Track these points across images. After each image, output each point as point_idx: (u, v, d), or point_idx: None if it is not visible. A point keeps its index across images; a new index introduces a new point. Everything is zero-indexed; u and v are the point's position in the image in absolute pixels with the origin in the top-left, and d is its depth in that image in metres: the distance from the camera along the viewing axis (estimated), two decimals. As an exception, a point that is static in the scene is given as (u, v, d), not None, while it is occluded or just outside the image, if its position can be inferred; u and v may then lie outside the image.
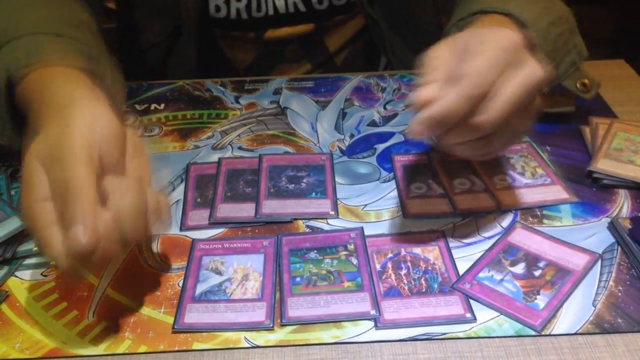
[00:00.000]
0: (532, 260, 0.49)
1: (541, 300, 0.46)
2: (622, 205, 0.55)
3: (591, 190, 0.56)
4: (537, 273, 0.48)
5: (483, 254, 0.50)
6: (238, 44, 0.84)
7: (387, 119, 0.68)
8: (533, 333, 0.44)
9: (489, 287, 0.47)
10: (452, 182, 0.58)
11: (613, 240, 0.51)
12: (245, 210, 0.55)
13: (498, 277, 0.48)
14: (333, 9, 0.83)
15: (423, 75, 0.46)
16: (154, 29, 0.83)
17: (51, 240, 0.41)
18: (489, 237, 0.52)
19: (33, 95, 0.50)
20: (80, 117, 0.43)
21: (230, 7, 0.79)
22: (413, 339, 0.44)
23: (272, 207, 0.55)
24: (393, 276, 0.48)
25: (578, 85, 0.63)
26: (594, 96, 0.63)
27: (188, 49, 0.81)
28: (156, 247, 0.52)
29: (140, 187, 0.43)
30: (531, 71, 0.46)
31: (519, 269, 0.48)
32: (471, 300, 0.46)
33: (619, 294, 0.46)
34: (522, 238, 0.51)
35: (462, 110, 0.43)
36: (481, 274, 0.48)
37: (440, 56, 0.47)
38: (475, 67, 0.44)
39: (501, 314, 0.45)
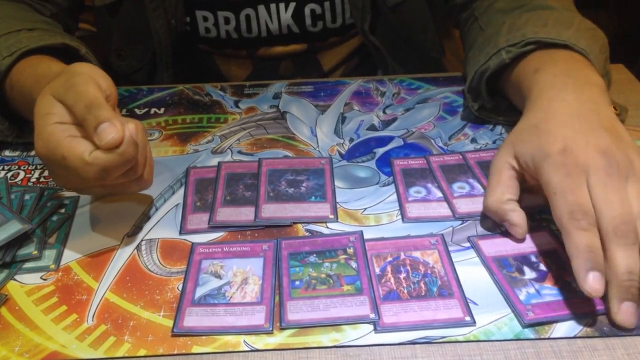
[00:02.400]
0: (525, 260, 0.49)
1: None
2: (621, 209, 0.55)
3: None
4: (543, 267, 0.49)
5: (495, 284, 0.48)
6: (231, 60, 0.85)
7: (386, 123, 0.68)
8: (532, 336, 0.44)
9: (544, 304, 0.46)
10: (451, 186, 0.58)
11: (612, 243, 0.51)
12: (244, 214, 0.55)
13: (532, 290, 0.47)
14: (327, 31, 0.83)
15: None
16: (134, 55, 0.84)
17: (74, 148, 0.46)
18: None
19: (25, 78, 0.57)
20: (81, 66, 0.50)
21: (219, 29, 0.80)
22: (412, 343, 0.44)
23: (272, 210, 0.56)
24: (392, 280, 0.48)
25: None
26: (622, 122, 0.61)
27: (165, 74, 0.82)
28: (156, 250, 0.52)
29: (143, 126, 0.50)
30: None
31: (531, 273, 0.48)
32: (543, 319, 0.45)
33: (619, 297, 0.46)
34: (493, 247, 0.51)
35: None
36: (522, 297, 0.46)
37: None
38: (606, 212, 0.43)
39: (581, 318, 0.45)
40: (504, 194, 0.50)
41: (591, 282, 0.42)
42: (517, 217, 0.50)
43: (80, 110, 0.46)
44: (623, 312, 0.42)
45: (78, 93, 0.47)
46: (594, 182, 0.44)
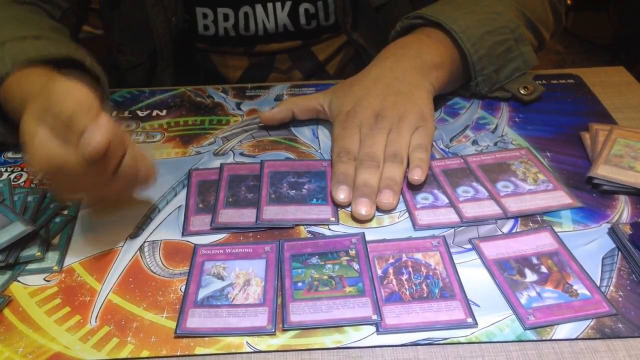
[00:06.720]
0: (527, 262, 0.50)
1: (580, 289, 0.47)
2: (623, 211, 0.55)
3: (591, 196, 0.57)
4: (544, 270, 0.49)
5: (497, 287, 0.48)
6: (227, 57, 0.85)
7: (388, 126, 0.68)
8: (534, 338, 0.44)
9: (545, 307, 0.46)
10: (455, 191, 0.58)
11: (614, 246, 0.51)
12: (247, 216, 0.55)
13: (534, 293, 0.47)
14: (321, 29, 0.84)
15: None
16: (134, 51, 0.85)
17: (64, 156, 0.44)
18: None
19: (15, 92, 0.56)
20: (58, 85, 0.45)
21: (218, 27, 0.81)
22: (415, 344, 0.44)
23: (273, 213, 0.56)
24: (394, 281, 0.49)
25: (521, 89, 0.69)
26: (534, 100, 0.70)
27: (166, 71, 0.83)
28: (159, 252, 0.52)
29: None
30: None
31: (532, 276, 0.48)
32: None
33: (620, 299, 0.46)
34: (495, 249, 0.51)
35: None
36: (523, 301, 0.47)
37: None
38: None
39: (582, 321, 0.45)
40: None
41: (339, 191, 0.56)
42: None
43: (61, 130, 0.45)
44: (358, 204, 0.54)
45: (60, 111, 0.44)
46: (362, 135, 0.60)
